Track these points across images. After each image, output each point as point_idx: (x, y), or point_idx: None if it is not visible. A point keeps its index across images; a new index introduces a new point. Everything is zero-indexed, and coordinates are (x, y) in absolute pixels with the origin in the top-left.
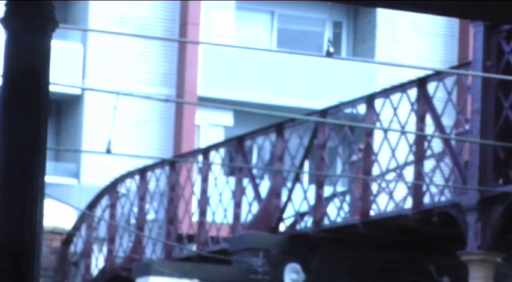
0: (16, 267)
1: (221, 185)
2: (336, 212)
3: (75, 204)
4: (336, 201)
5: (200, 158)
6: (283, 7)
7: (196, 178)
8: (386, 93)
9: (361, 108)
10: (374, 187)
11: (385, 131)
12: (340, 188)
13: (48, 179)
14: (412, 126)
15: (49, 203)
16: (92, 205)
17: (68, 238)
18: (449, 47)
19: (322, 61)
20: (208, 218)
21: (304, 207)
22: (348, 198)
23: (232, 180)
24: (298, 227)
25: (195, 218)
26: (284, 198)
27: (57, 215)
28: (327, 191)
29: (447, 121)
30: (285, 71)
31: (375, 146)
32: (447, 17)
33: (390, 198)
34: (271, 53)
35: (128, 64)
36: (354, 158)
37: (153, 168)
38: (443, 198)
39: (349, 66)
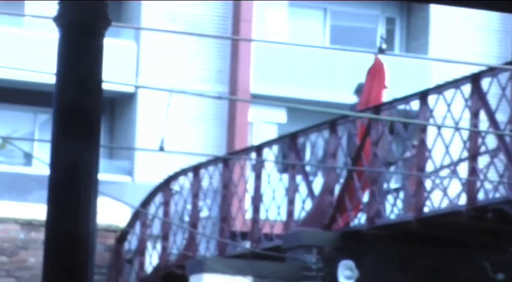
0: (70, 265)
1: (274, 182)
2: (389, 209)
3: (129, 202)
4: (390, 197)
5: (253, 155)
6: (336, 4)
7: (250, 175)
8: (439, 89)
9: (415, 105)
10: (428, 184)
11: (439, 127)
12: (393, 185)
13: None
14: (466, 122)
15: (103, 200)
16: (146, 202)
17: (122, 235)
18: (503, 42)
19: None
20: (262, 215)
21: None
22: (401, 194)
23: (285, 177)
24: (351, 223)
25: (249, 215)
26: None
27: (111, 212)
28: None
29: (501, 117)
30: (337, 67)
31: (429, 143)
32: (501, 13)
33: (444, 195)
34: (324, 49)
35: (181, 62)
36: (408, 154)
37: (207, 166)
38: (497, 195)
39: (403, 63)
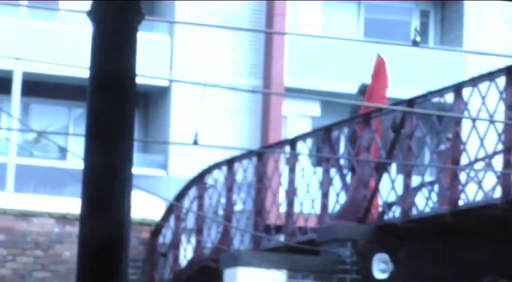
0: (105, 259)
1: (308, 175)
2: (424, 202)
3: (163, 196)
4: (424, 191)
5: (287, 148)
6: None
7: (284, 169)
8: (474, 82)
9: (449, 98)
10: (462, 177)
11: (474, 120)
12: (428, 178)
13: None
14: (500, 115)
15: (138, 194)
16: (180, 196)
17: (157, 229)
18: None
19: (410, 50)
20: (296, 208)
21: (392, 197)
22: (436, 188)
23: (319, 170)
24: (386, 217)
25: (283, 209)
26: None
27: (145, 206)
28: (415, 180)
29: None
30: (371, 60)
31: (463, 135)
32: None
33: (479, 188)
34: (358, 42)
35: (214, 55)
36: (442, 147)
37: (241, 159)
38: None
39: (437, 55)
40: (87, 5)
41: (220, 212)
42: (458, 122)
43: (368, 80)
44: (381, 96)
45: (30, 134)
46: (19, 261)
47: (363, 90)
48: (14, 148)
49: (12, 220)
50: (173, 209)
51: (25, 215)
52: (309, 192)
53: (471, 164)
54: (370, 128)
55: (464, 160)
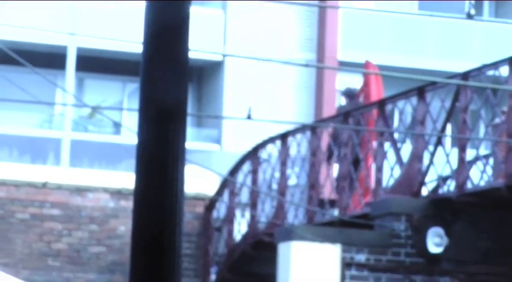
0: (159, 233)
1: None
2: (479, 176)
3: (217, 170)
4: (479, 164)
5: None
6: None
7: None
8: None
9: (504, 70)
10: None
11: None
12: (483, 151)
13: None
14: None
15: (191, 169)
16: (234, 171)
17: (211, 204)
18: None
19: (464, 23)
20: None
21: (447, 171)
22: (491, 161)
23: (373, 144)
24: (440, 191)
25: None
26: (426, 162)
27: (199, 181)
28: (470, 154)
29: None
30: (425, 33)
31: None
32: None
33: None
34: (412, 15)
35: (268, 30)
36: (497, 120)
37: (294, 134)
38: None
39: (492, 28)
40: None
41: (274, 186)
42: None
43: (419, 53)
44: (378, 94)
45: (85, 109)
46: (74, 235)
47: (348, 93)
48: (69, 123)
49: (67, 195)
50: (227, 183)
51: (80, 190)
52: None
53: None
54: (424, 101)
55: None
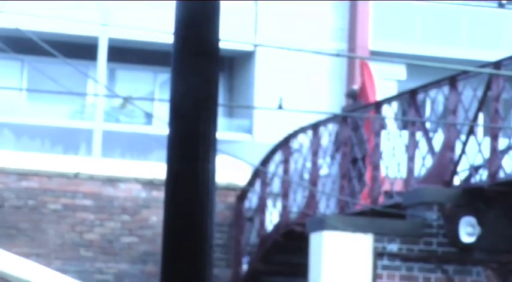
0: (191, 223)
1: (394, 139)
2: (511, 165)
3: (248, 160)
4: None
5: (372, 112)
6: None
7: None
8: None
9: None
10: None
11: None
12: None
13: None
14: None
15: (223, 159)
16: (266, 161)
17: (243, 194)
18: None
19: (496, 12)
20: (382, 172)
21: (479, 161)
22: None
23: (405, 133)
24: (472, 180)
25: (369, 173)
26: (458, 151)
27: (231, 171)
28: (502, 143)
29: None
30: (458, 22)
31: None
32: None
33: None
34: (444, 4)
35: (299, 19)
36: None
37: (326, 123)
38: None
39: None
40: None
41: (306, 176)
42: None
43: (451, 42)
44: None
45: (117, 100)
46: (106, 226)
47: (351, 94)
48: (101, 114)
49: (99, 185)
50: (259, 173)
51: (112, 181)
52: (395, 156)
53: None
54: (456, 90)
55: None
